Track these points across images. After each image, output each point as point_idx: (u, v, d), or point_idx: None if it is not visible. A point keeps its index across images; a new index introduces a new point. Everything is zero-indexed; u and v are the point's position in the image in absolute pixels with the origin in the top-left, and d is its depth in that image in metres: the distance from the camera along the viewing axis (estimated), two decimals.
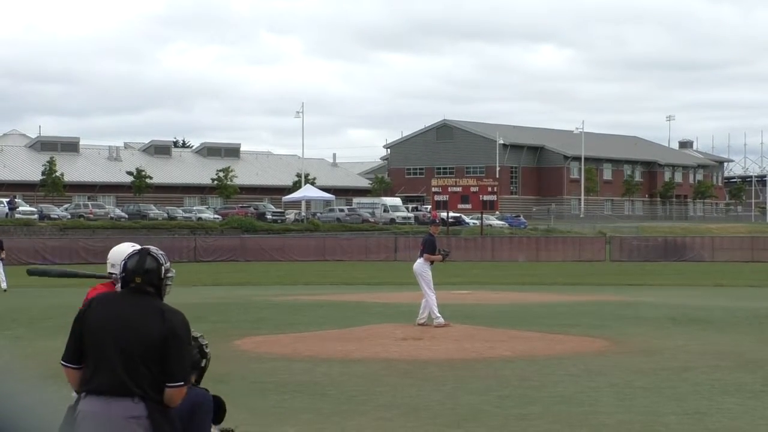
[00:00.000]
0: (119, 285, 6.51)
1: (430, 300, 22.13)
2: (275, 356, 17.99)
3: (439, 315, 22.11)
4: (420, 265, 22.59)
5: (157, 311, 6.26)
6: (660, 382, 15.10)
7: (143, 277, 6.33)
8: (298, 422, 12.11)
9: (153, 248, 6.53)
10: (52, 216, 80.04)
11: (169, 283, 6.46)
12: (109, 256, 8.45)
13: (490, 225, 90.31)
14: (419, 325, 21.98)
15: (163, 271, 6.40)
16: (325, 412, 12.83)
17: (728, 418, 12.40)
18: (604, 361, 17.56)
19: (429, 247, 22.78)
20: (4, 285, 35.46)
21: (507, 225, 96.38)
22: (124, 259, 6.45)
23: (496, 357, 17.97)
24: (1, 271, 35.80)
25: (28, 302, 30.74)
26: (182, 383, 6.17)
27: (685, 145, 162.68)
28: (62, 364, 6.29)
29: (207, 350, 6.95)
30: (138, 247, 6.84)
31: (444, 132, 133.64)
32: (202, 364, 6.93)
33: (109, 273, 8.43)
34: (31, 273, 8.72)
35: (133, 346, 6.14)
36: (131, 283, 6.35)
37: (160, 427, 6.11)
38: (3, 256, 36.25)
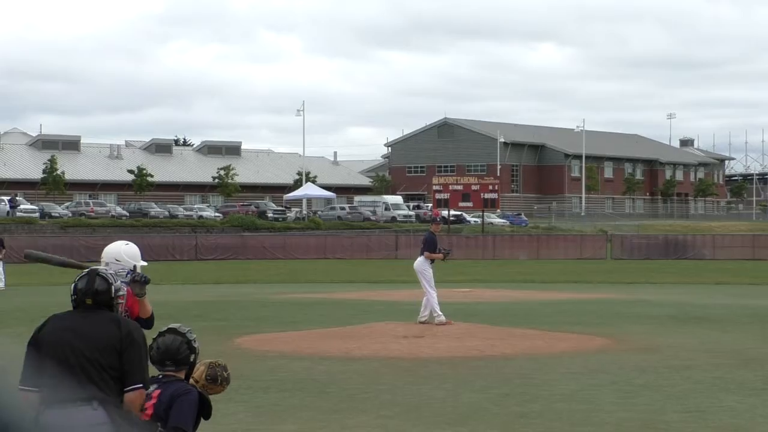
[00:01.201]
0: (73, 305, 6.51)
1: (431, 298, 22.02)
2: (276, 354, 17.98)
3: (440, 313, 22.00)
4: (420, 263, 22.48)
5: (112, 320, 6.34)
6: (661, 380, 15.09)
7: (93, 298, 6.37)
8: (299, 420, 12.10)
9: (102, 269, 6.62)
10: (53, 214, 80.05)
11: (121, 301, 6.56)
12: (103, 254, 8.46)
13: (491, 223, 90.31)
14: (421, 323, 21.90)
15: (113, 291, 6.45)
16: (325, 409, 12.82)
17: (729, 416, 12.39)
18: (605, 359, 17.55)
19: (429, 245, 22.67)
20: (1, 284, 35.46)
21: (508, 223, 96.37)
22: (75, 280, 6.48)
23: (497, 355, 17.96)
24: (1, 269, 35.81)
25: (27, 301, 30.74)
26: (140, 385, 6.21)
27: (686, 143, 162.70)
28: (21, 389, 6.14)
29: (195, 345, 6.93)
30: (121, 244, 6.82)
31: (445, 130, 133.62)
32: (191, 359, 6.91)
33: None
34: (28, 256, 8.68)
35: (90, 352, 6.18)
36: (83, 305, 6.40)
37: (124, 426, 6.11)
38: (2, 255, 36.25)
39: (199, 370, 7.10)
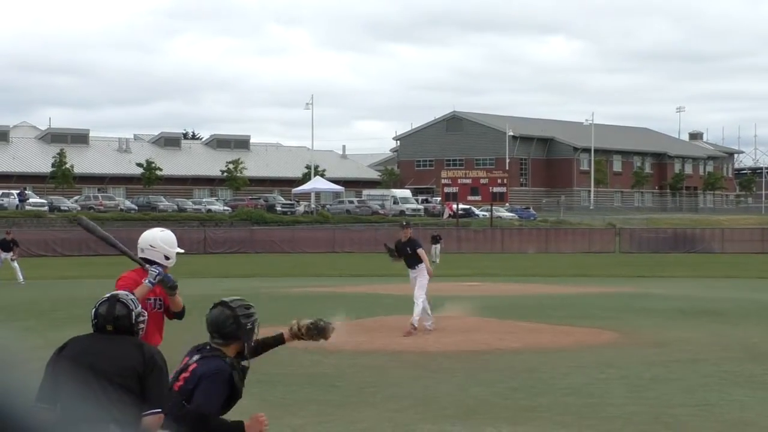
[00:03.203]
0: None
1: (423, 303, 20.26)
2: (284, 348, 17.99)
3: (417, 319, 20.10)
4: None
5: (135, 344, 6.32)
6: (669, 374, 15.09)
7: (114, 324, 6.34)
8: (308, 413, 12.12)
9: (122, 294, 6.55)
10: (62, 208, 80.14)
11: (142, 326, 6.46)
12: (140, 240, 8.53)
13: (500, 217, 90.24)
14: (429, 330, 20.43)
15: (134, 317, 6.41)
16: (334, 403, 12.84)
17: (737, 410, 12.38)
18: (614, 352, 17.55)
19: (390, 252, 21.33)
20: (21, 278, 36.04)
21: (516, 217, 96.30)
22: (95, 305, 6.44)
23: (506, 349, 17.97)
24: (17, 266, 36.33)
25: (38, 294, 30.80)
26: (159, 411, 6.17)
27: (695, 136, 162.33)
28: (38, 406, 6.03)
29: (245, 321, 6.87)
30: None
31: (454, 124, 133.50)
32: (239, 334, 6.86)
33: (141, 258, 8.52)
34: (79, 222, 8.84)
35: (111, 374, 6.16)
36: (104, 331, 6.37)
37: None
38: (15, 256, 36.68)
39: (303, 322, 7.47)
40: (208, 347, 6.83)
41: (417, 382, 14.39)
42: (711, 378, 14.77)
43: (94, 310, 6.42)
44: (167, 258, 8.67)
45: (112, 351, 6.25)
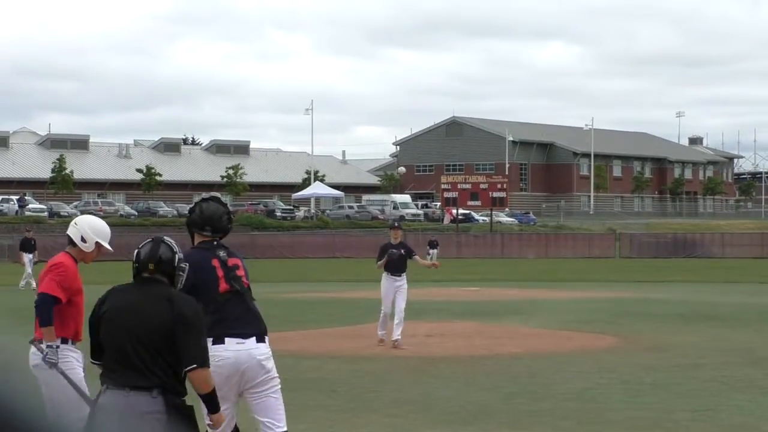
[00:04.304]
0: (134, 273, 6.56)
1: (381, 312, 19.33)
2: (284, 353, 17.98)
3: (382, 330, 19.22)
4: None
5: (165, 298, 6.26)
6: (670, 379, 15.08)
7: (156, 265, 6.36)
8: (307, 419, 12.10)
9: (167, 237, 6.61)
10: (61, 213, 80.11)
11: (182, 273, 6.47)
12: (80, 224, 8.39)
13: (500, 222, 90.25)
14: (382, 342, 19.14)
15: (176, 260, 6.43)
16: (334, 409, 12.83)
17: (738, 415, 12.37)
18: (614, 357, 17.54)
19: (379, 255, 19.84)
20: (34, 284, 35.86)
21: (516, 222, 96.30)
22: (138, 248, 6.51)
23: (506, 354, 17.96)
24: (29, 270, 36.17)
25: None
26: (194, 366, 6.13)
27: (694, 141, 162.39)
28: (92, 362, 6.53)
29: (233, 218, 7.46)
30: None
31: (453, 129, 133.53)
32: (229, 228, 7.70)
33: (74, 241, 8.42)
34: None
35: (145, 335, 6.16)
36: (144, 272, 6.39)
37: (178, 423, 6.14)
38: (35, 257, 36.59)
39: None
40: (215, 242, 7.55)
41: (417, 387, 14.39)
42: (711, 383, 14.76)
43: (136, 252, 6.45)
44: (83, 240, 8.45)
45: (144, 308, 6.24)
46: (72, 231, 8.49)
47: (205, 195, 8.09)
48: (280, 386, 7.90)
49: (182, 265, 6.46)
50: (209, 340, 7.11)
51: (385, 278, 19.44)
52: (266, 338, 7.78)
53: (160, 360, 6.12)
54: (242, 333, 7.62)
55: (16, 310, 26.80)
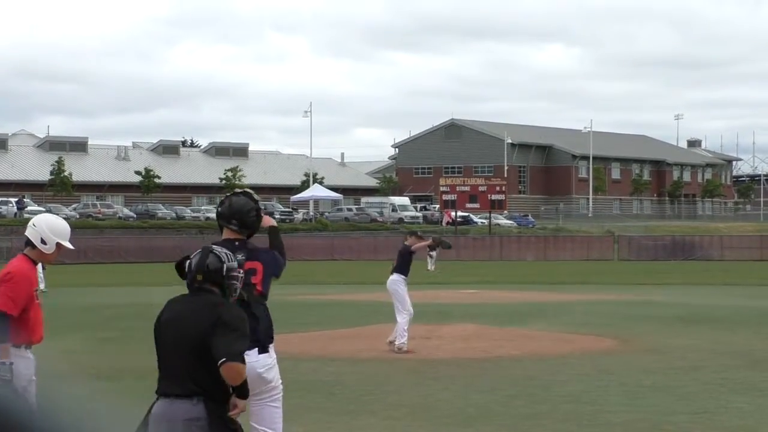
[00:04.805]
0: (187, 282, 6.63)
1: (401, 320, 18.93)
2: (283, 356, 17.92)
3: (405, 335, 18.83)
4: (394, 281, 19.35)
5: (210, 305, 6.31)
6: (669, 381, 15.08)
7: (204, 275, 6.40)
8: (307, 422, 12.10)
9: (216, 247, 6.60)
10: (60, 216, 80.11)
11: (235, 282, 6.48)
12: (38, 226, 8.13)
13: (499, 224, 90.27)
14: (389, 342, 19.14)
15: (225, 270, 6.43)
16: (333, 411, 12.83)
17: (737, 417, 12.37)
18: (613, 360, 17.54)
19: (407, 265, 19.47)
20: (42, 285, 35.71)
21: (515, 224, 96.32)
22: (190, 258, 6.53)
23: (505, 356, 17.96)
24: (41, 273, 36.00)
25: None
26: (225, 360, 6.14)
27: (693, 143, 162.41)
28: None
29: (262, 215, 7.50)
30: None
31: (452, 131, 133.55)
32: (256, 226, 7.59)
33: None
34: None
35: (187, 344, 6.23)
36: (194, 282, 6.43)
37: (221, 429, 6.22)
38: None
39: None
40: (237, 243, 7.36)
41: (416, 390, 14.38)
42: (710, 385, 14.76)
43: (187, 263, 6.49)
44: (43, 242, 8.19)
45: (190, 317, 6.31)
46: (30, 233, 8.21)
47: (238, 190, 7.96)
48: (281, 395, 7.86)
49: (234, 274, 6.48)
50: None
51: (403, 282, 19.27)
52: (270, 347, 7.70)
53: (201, 367, 6.19)
54: None
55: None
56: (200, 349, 6.18)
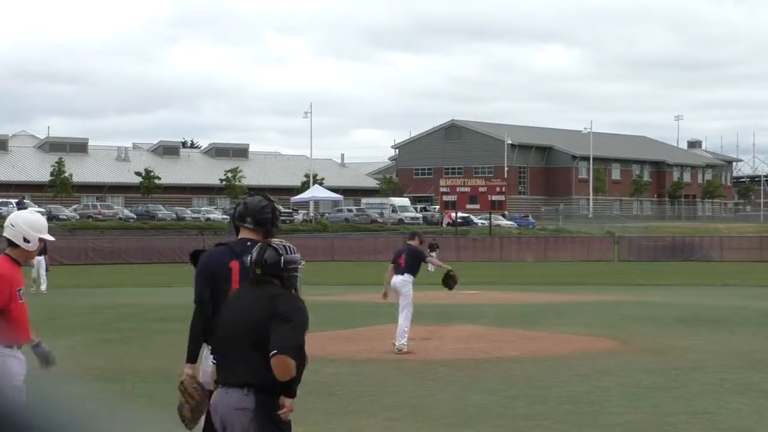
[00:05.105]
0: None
1: (406, 320, 18.94)
2: None
3: (406, 337, 18.81)
4: (404, 281, 19.32)
5: (268, 297, 6.46)
6: (669, 382, 15.09)
7: (263, 268, 6.53)
8: (306, 423, 12.09)
9: (276, 241, 6.73)
10: (60, 217, 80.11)
11: (295, 273, 6.63)
12: (17, 225, 8.07)
13: (499, 225, 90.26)
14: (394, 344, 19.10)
15: (282, 262, 6.56)
16: (333, 412, 12.83)
17: (737, 418, 12.38)
18: (613, 360, 17.54)
19: (418, 264, 19.60)
20: (43, 287, 35.75)
21: (515, 225, 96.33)
22: (251, 252, 6.66)
23: (505, 357, 17.96)
24: (44, 273, 36.08)
25: (37, 302, 30.72)
26: (276, 352, 6.25)
27: (693, 144, 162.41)
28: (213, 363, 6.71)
29: (279, 217, 7.44)
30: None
31: (452, 132, 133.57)
32: (269, 226, 7.34)
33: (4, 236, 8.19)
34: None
35: (244, 334, 6.37)
36: (253, 275, 6.59)
37: (267, 422, 6.34)
38: (47, 260, 36.54)
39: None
40: (249, 242, 7.18)
41: (416, 391, 14.39)
42: (710, 386, 14.76)
43: (248, 257, 6.66)
44: (26, 241, 8.12)
45: (247, 309, 6.47)
46: (11, 233, 8.10)
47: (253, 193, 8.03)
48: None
49: (293, 266, 6.61)
50: (207, 348, 7.16)
51: (413, 282, 19.44)
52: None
53: (257, 358, 6.31)
54: None
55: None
56: (257, 340, 6.30)
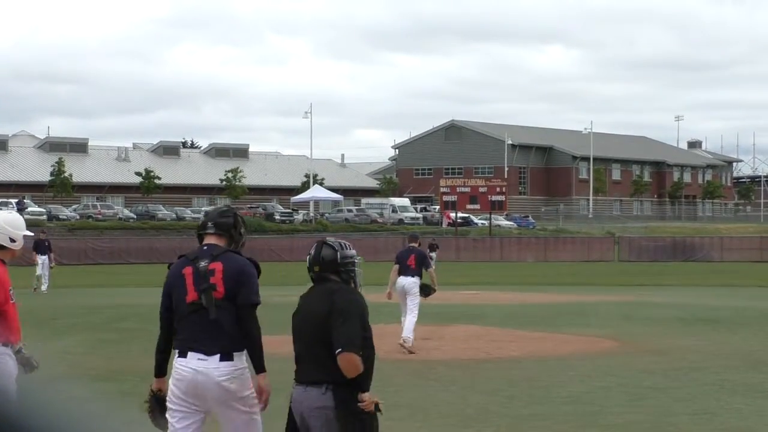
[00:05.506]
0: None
1: (414, 318, 19.26)
2: (283, 357, 17.92)
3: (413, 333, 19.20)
4: (415, 283, 19.61)
5: (326, 293, 6.62)
6: (669, 382, 15.08)
7: (321, 266, 6.72)
8: None
9: (330, 238, 6.95)
10: (60, 217, 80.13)
11: (352, 268, 6.77)
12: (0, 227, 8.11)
13: (499, 225, 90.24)
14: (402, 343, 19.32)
15: (339, 257, 6.73)
16: None
17: (737, 418, 12.37)
18: (613, 361, 17.54)
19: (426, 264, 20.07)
20: (44, 287, 35.77)
21: (515, 225, 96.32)
22: (309, 252, 6.87)
23: (505, 357, 17.96)
24: (46, 273, 36.12)
25: (38, 302, 30.75)
26: (340, 350, 6.39)
27: (693, 145, 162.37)
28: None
29: (242, 229, 7.31)
30: None
31: (452, 132, 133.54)
32: (231, 232, 7.25)
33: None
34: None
35: (312, 333, 6.54)
36: (313, 274, 6.79)
37: (348, 417, 6.49)
38: (53, 264, 36.62)
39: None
40: (206, 247, 7.19)
41: (416, 391, 14.38)
42: (710, 386, 14.75)
43: (308, 256, 6.87)
44: (12, 240, 8.18)
45: (311, 307, 6.68)
46: None
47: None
48: (251, 402, 7.14)
49: (349, 260, 6.77)
50: (175, 353, 7.12)
51: (419, 284, 19.77)
52: (236, 356, 7.02)
53: (327, 355, 6.45)
54: (205, 349, 6.98)
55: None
56: (322, 337, 6.46)
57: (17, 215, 8.45)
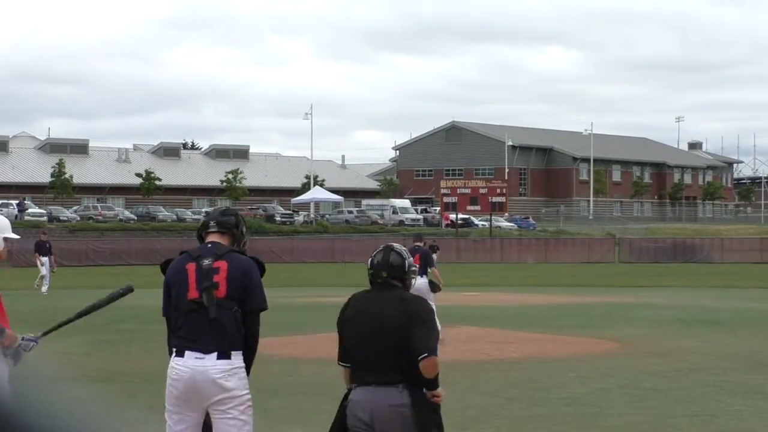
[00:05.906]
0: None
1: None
2: (284, 358, 17.99)
3: None
4: (426, 285, 19.60)
5: (399, 298, 6.74)
6: (669, 384, 15.08)
7: (389, 272, 6.81)
8: (308, 424, 12.10)
9: (396, 245, 7.04)
10: (61, 218, 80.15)
11: (413, 276, 6.93)
12: None
13: (499, 227, 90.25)
14: None
15: (407, 265, 6.86)
16: (333, 413, 12.80)
17: (738, 420, 12.38)
18: (613, 362, 17.54)
19: (429, 261, 20.61)
20: (44, 288, 35.79)
21: (516, 226, 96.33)
22: (371, 256, 6.94)
23: (505, 359, 17.96)
24: (48, 274, 36.16)
25: (38, 303, 30.76)
26: (426, 355, 6.55)
27: (694, 146, 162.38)
28: (339, 365, 6.99)
29: (243, 228, 7.43)
30: None
31: (453, 133, 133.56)
32: (234, 231, 7.31)
33: None
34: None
35: (384, 336, 6.64)
36: (378, 279, 6.84)
37: (422, 417, 6.61)
38: (55, 266, 36.67)
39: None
40: (210, 245, 7.20)
41: None
42: (711, 388, 14.75)
43: (369, 260, 6.92)
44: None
45: (381, 311, 6.73)
46: None
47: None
48: (245, 406, 7.13)
49: (413, 269, 6.93)
50: (172, 352, 7.14)
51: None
52: (233, 354, 7.00)
53: (402, 357, 6.58)
54: (203, 348, 6.96)
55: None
56: (399, 340, 6.57)
57: (2, 216, 8.41)
